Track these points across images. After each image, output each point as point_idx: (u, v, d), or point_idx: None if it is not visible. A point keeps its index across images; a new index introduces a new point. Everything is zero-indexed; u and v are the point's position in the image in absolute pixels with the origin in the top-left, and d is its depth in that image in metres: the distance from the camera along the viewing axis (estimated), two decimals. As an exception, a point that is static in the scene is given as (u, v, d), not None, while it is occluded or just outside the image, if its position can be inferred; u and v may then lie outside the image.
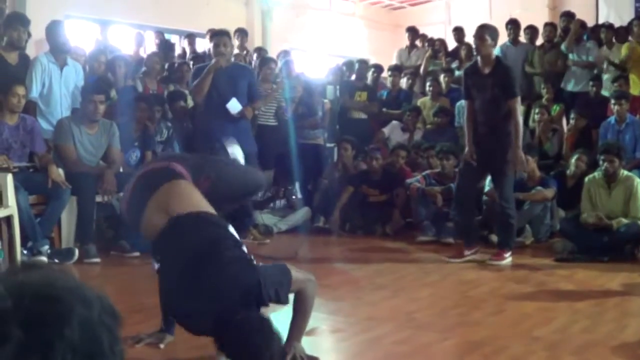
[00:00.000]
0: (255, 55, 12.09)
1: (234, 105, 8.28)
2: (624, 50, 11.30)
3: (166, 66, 10.97)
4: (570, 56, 11.82)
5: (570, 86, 11.78)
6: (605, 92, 11.24)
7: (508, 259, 7.63)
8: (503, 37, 12.41)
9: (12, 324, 1.00)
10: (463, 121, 8.34)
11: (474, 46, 7.86)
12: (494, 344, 4.65)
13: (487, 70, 7.51)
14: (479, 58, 7.61)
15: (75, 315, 1.03)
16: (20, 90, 7.48)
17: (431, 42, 13.70)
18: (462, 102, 11.49)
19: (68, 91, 8.39)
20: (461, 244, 7.91)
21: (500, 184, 7.66)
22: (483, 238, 8.43)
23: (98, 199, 7.68)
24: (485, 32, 7.47)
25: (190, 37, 12.82)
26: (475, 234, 8.03)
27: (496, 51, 12.12)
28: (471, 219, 7.92)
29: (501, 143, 7.46)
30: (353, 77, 12.23)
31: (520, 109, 7.60)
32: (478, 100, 7.64)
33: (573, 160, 9.34)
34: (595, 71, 11.62)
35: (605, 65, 11.59)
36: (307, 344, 4.60)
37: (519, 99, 7.54)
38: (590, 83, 11.22)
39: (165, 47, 12.10)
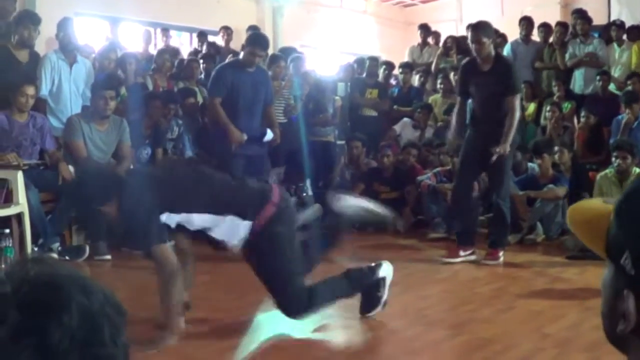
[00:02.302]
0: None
1: (268, 137, 8.35)
2: (634, 54, 11.28)
3: (175, 63, 10.96)
4: (577, 51, 11.72)
5: (577, 88, 11.69)
6: (613, 89, 11.17)
7: (501, 258, 7.48)
8: (515, 34, 12.39)
9: (10, 307, 1.02)
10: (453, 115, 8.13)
11: (473, 50, 7.53)
12: (504, 341, 4.65)
13: (486, 68, 7.38)
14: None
15: (74, 303, 1.04)
16: (30, 90, 7.47)
17: (444, 39, 13.62)
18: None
19: (77, 89, 8.39)
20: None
21: (498, 181, 7.47)
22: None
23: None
24: (481, 34, 7.32)
25: (202, 35, 12.83)
26: (473, 234, 7.74)
27: (506, 48, 12.12)
28: (468, 219, 7.73)
29: (499, 141, 7.19)
30: (364, 74, 12.22)
31: (519, 106, 7.40)
32: (476, 97, 7.53)
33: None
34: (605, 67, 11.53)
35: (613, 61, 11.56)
36: (316, 340, 4.61)
37: (519, 95, 7.36)
38: (597, 78, 11.14)
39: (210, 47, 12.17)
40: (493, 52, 7.52)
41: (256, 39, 8.46)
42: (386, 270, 5.17)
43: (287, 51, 11.65)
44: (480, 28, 7.43)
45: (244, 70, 8.17)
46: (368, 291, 5.14)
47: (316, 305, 4.72)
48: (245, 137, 8.01)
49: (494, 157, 7.10)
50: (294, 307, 4.65)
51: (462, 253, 7.52)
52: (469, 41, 7.70)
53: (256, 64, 8.24)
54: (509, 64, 7.63)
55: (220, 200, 4.61)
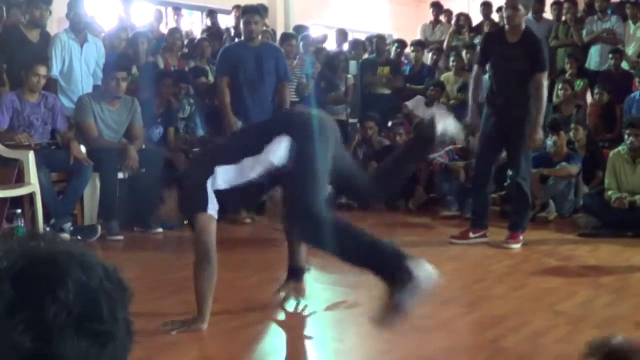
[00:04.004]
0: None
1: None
2: None
3: (185, 42, 10.94)
4: (595, 28, 11.66)
5: (593, 64, 11.64)
6: (625, 66, 11.11)
7: (521, 240, 7.22)
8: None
9: (4, 281, 1.02)
10: (470, 87, 7.75)
11: (505, 16, 7.27)
12: (516, 318, 4.64)
13: (513, 40, 7.09)
14: (506, 26, 7.21)
15: (71, 279, 1.03)
16: (42, 70, 7.47)
17: (456, 17, 13.56)
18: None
19: (88, 68, 8.38)
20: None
21: (518, 160, 7.19)
22: (504, 213, 8.29)
23: (120, 175, 7.68)
24: (519, 0, 7.08)
25: (212, 13, 12.79)
26: (486, 216, 7.50)
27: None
28: (484, 200, 7.49)
29: (520, 117, 6.99)
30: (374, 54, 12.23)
31: (546, 83, 7.12)
32: (497, 70, 7.28)
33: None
34: (620, 46, 11.46)
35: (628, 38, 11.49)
36: (328, 318, 4.60)
37: (546, 74, 7.09)
38: (610, 55, 11.07)
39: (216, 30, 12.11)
40: (524, 26, 7.22)
41: (243, 9, 8.73)
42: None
43: (299, 30, 11.64)
44: None
45: (247, 46, 8.42)
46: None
47: (319, 239, 4.22)
48: (239, 124, 8.07)
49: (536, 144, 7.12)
50: (297, 214, 4.36)
51: (472, 235, 7.36)
52: (504, 5, 7.38)
53: (257, 34, 8.41)
54: (539, 39, 7.29)
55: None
